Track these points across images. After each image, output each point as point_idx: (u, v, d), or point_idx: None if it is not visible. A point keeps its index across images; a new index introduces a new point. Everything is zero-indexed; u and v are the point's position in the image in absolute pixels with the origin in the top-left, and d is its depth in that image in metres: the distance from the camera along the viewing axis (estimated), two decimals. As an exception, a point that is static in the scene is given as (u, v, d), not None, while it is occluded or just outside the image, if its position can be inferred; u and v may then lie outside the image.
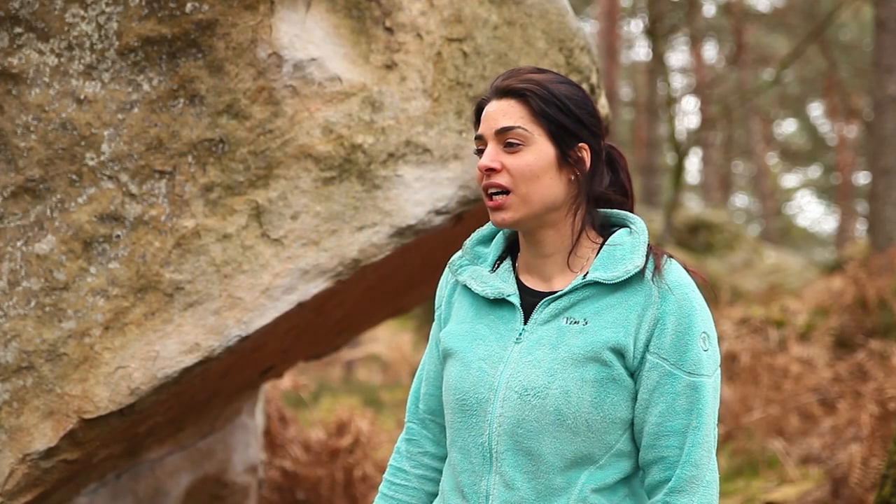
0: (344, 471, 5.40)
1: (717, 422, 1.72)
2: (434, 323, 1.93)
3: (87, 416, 2.68)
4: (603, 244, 1.77)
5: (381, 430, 5.94)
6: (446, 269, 1.91)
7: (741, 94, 20.07)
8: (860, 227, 23.08)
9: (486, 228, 1.89)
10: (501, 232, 1.86)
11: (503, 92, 1.75)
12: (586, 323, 1.69)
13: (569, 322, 1.71)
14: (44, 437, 2.67)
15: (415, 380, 1.96)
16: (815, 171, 31.50)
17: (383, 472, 6.07)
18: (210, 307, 2.77)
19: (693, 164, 28.96)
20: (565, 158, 1.73)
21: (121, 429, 2.81)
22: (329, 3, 2.93)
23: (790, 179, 33.87)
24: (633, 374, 1.70)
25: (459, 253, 1.88)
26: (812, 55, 20.41)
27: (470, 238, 1.89)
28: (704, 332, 1.69)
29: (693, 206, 22.48)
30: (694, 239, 16.20)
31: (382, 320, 4.59)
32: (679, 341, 1.67)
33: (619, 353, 1.68)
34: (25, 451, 2.67)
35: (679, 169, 15.78)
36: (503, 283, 1.78)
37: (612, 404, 1.68)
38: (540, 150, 1.72)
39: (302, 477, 5.35)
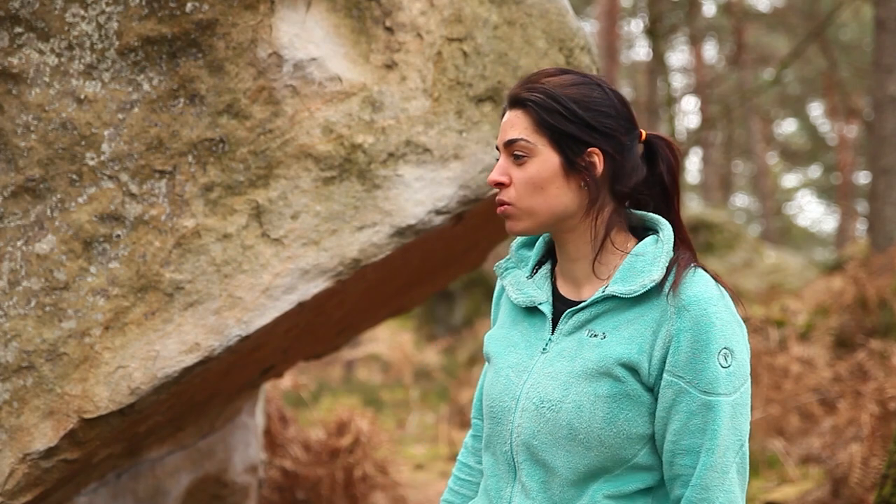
0: (344, 471, 5.40)
1: (743, 439, 1.64)
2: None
3: (87, 416, 2.68)
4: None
5: (381, 430, 5.93)
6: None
7: (741, 94, 20.06)
8: (860, 227, 23.07)
9: None
10: (542, 235, 1.84)
11: (512, 101, 1.73)
12: (605, 337, 1.67)
13: (590, 335, 1.68)
14: (44, 436, 2.67)
15: (481, 376, 1.94)
16: (815, 171, 31.51)
17: (383, 472, 6.04)
18: (210, 307, 2.77)
19: (693, 164, 28.96)
20: (573, 166, 1.69)
21: (121, 428, 2.81)
22: (329, 3, 2.93)
23: (790, 179, 33.89)
24: (652, 389, 1.65)
25: (507, 256, 1.87)
26: (812, 55, 20.40)
27: (515, 240, 1.87)
28: (726, 349, 1.62)
29: (693, 206, 22.46)
30: (694, 239, 16.10)
31: (382, 320, 4.58)
32: (694, 359, 1.61)
33: (632, 369, 1.64)
34: (25, 450, 2.66)
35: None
36: (536, 291, 1.77)
37: (627, 420, 1.64)
38: (543, 161, 1.69)
39: (302, 477, 5.35)
